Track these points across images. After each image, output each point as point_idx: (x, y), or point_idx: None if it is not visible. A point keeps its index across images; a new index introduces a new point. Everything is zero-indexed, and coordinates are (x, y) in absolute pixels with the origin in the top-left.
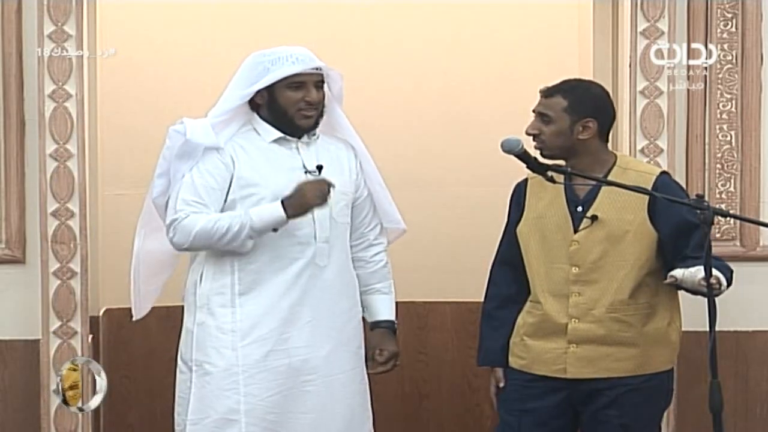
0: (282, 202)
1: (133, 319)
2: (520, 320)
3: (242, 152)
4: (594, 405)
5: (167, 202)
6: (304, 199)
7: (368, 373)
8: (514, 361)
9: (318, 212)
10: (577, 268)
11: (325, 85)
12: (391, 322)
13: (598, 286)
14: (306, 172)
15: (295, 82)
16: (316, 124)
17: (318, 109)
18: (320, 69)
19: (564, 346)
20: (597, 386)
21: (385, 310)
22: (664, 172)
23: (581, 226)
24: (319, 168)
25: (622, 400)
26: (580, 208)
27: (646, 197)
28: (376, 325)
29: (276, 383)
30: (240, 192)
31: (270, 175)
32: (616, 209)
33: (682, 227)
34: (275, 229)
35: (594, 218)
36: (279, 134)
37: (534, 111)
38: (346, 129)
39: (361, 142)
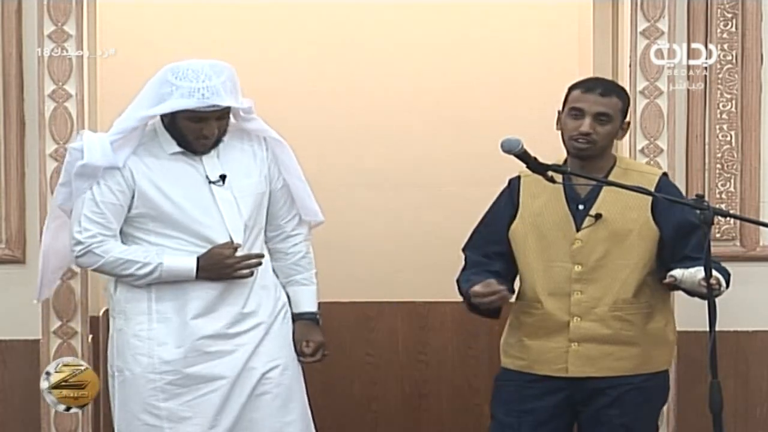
0: (198, 261)
1: (35, 302)
2: (514, 320)
3: (143, 167)
4: (595, 404)
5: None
6: (221, 272)
7: (301, 362)
8: (511, 363)
9: (230, 221)
10: (579, 267)
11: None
12: (314, 313)
13: (600, 285)
14: (210, 183)
15: (195, 116)
16: (216, 144)
17: (218, 135)
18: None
19: (565, 345)
20: (598, 385)
21: (307, 302)
22: (665, 173)
23: (584, 225)
24: (223, 177)
25: (624, 399)
26: (581, 207)
27: (649, 196)
28: (299, 317)
29: (196, 388)
30: (143, 207)
31: (172, 189)
32: (620, 208)
33: (683, 227)
34: None
35: (598, 216)
36: (179, 149)
37: (581, 109)
38: (262, 131)
39: (278, 135)
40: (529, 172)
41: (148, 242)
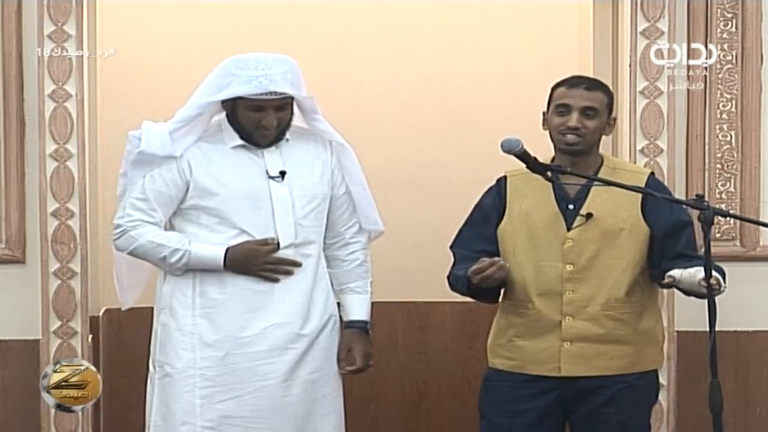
0: (227, 251)
1: (122, 309)
2: (503, 321)
3: (202, 157)
4: (589, 404)
5: None
6: (248, 268)
7: (342, 373)
8: (501, 363)
9: (279, 218)
10: (571, 266)
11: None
12: (364, 322)
13: (592, 284)
14: (269, 178)
15: (253, 105)
16: (279, 139)
17: (280, 127)
18: (280, 94)
19: (557, 344)
20: (590, 385)
21: (358, 310)
22: (652, 172)
23: (575, 224)
24: (282, 173)
25: (619, 397)
26: (571, 206)
27: (639, 195)
28: (349, 325)
29: (233, 387)
30: (199, 198)
31: (230, 181)
32: (610, 207)
33: (674, 225)
34: None
35: (589, 216)
36: (241, 142)
37: (567, 105)
38: (328, 133)
39: (345, 141)
40: (516, 172)
41: (197, 236)
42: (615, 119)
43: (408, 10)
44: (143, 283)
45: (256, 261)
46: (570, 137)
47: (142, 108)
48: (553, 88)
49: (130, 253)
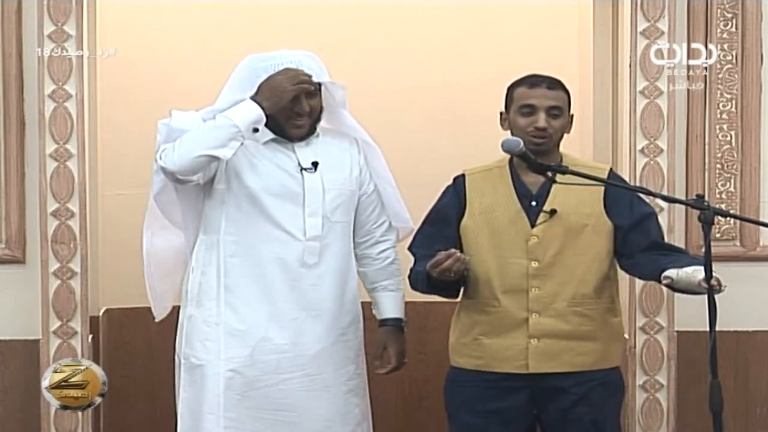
0: (252, 98)
1: (156, 320)
2: (467, 320)
3: (241, 147)
4: (561, 403)
5: (164, 200)
6: (278, 89)
7: (378, 373)
8: (469, 362)
9: (309, 209)
10: (536, 263)
11: (325, 91)
12: (398, 319)
13: (557, 280)
14: (301, 170)
15: None
16: (311, 131)
17: (312, 117)
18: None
19: (525, 341)
20: (561, 384)
21: (391, 308)
22: (611, 168)
23: (539, 221)
24: (315, 165)
25: (590, 396)
26: (534, 203)
27: (601, 190)
28: (383, 323)
29: (258, 379)
30: (228, 183)
31: (264, 169)
32: (573, 203)
33: (638, 218)
34: (256, 130)
35: (553, 212)
36: (272, 135)
37: (532, 105)
38: (354, 130)
39: (372, 140)
40: (475, 170)
41: (221, 221)
42: (573, 116)
43: (408, 11)
44: (175, 288)
45: (282, 79)
46: (538, 138)
47: (142, 108)
48: (511, 88)
49: (177, 155)
